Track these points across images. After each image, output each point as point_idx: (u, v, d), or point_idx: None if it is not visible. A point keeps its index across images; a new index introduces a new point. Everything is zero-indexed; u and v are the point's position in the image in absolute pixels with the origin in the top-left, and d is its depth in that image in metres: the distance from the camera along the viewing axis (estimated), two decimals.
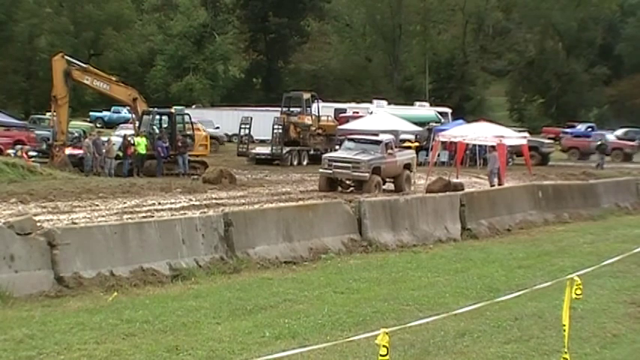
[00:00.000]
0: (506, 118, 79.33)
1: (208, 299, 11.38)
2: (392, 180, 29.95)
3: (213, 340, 9.27)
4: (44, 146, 36.83)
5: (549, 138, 55.64)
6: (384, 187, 29.04)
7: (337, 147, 35.12)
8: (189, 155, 34.80)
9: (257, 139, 47.80)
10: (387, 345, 6.17)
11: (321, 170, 29.46)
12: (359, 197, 19.71)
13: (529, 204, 21.94)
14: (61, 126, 34.04)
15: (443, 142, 36.75)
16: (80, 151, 33.95)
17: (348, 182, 28.87)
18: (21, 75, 71.92)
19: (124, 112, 55.19)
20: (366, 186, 27.81)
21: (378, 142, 29.70)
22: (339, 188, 28.80)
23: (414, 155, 31.85)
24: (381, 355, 6.18)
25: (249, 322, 10.18)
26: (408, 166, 30.51)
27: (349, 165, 28.19)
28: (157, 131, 34.92)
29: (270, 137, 43.00)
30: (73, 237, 11.93)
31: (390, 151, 29.51)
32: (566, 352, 8.15)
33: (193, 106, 60.51)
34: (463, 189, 25.40)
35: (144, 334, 9.49)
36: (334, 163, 28.58)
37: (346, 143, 30.88)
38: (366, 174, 28.00)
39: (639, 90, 78.34)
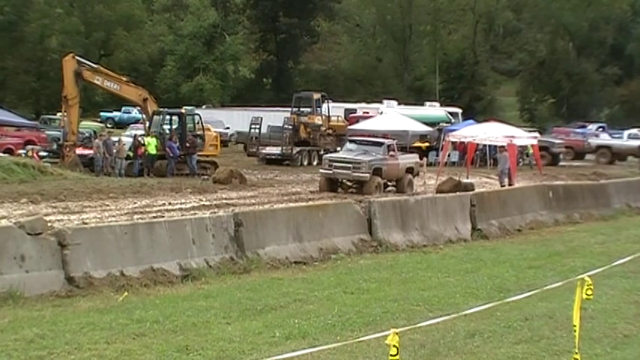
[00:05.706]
0: (517, 118, 79.03)
1: (218, 299, 11.39)
2: (394, 184, 29.51)
3: (224, 340, 9.28)
4: (55, 146, 36.88)
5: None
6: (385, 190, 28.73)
7: (338, 148, 34.73)
8: (200, 155, 34.81)
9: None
10: (397, 345, 6.16)
11: (321, 170, 29.25)
12: (369, 197, 19.67)
13: (539, 204, 21.89)
14: (71, 126, 34.03)
15: (453, 142, 36.70)
16: (91, 152, 33.98)
17: (348, 183, 28.51)
18: (32, 75, 71.96)
19: (135, 113, 55.22)
20: (366, 187, 27.43)
21: (379, 144, 29.33)
22: (340, 189, 28.49)
23: (418, 160, 31.39)
24: (391, 355, 6.17)
25: (259, 322, 10.18)
26: (410, 170, 30.04)
27: (350, 165, 27.81)
28: (168, 131, 34.95)
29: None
30: (83, 237, 11.96)
31: (392, 153, 29.13)
32: (576, 353, 8.13)
33: (204, 107, 60.46)
34: (473, 189, 25.36)
35: (154, 334, 9.51)
36: (335, 164, 28.25)
37: (348, 144, 30.58)
38: (367, 174, 27.62)
39: None
